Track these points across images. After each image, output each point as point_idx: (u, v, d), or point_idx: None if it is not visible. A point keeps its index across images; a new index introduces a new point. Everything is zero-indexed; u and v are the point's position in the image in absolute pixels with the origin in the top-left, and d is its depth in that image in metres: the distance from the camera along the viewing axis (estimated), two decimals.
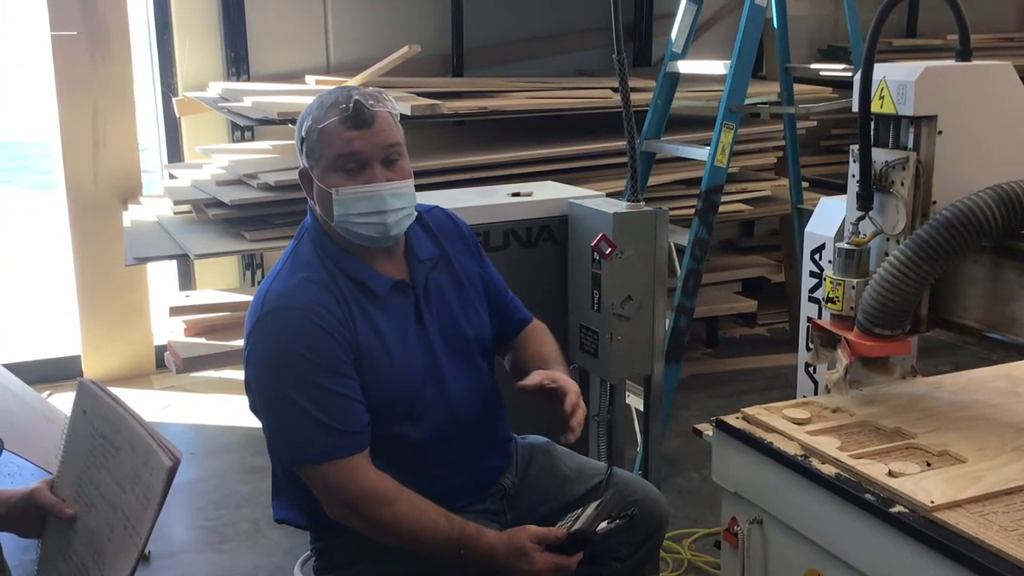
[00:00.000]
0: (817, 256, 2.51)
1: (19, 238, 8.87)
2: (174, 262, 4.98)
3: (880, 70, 1.98)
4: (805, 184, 4.79)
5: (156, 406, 4.66)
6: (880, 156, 2.01)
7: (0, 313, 6.48)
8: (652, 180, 4.42)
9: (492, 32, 5.36)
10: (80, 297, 4.88)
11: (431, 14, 5.21)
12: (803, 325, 2.57)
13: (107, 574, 1.40)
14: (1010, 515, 1.58)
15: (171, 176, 4.79)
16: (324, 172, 1.97)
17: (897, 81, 1.95)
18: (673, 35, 4.06)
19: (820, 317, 2.27)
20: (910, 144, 1.99)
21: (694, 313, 3.95)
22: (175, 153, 5.01)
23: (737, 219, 5.37)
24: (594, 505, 1.96)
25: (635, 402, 3.09)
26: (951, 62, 2.06)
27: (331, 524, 2.04)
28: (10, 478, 3.68)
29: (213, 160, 4.55)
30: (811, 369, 2.61)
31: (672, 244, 3.92)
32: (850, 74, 1.97)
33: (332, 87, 2.06)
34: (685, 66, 4.00)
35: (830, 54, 5.95)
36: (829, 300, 2.06)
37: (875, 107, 1.99)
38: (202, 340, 4.64)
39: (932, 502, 1.60)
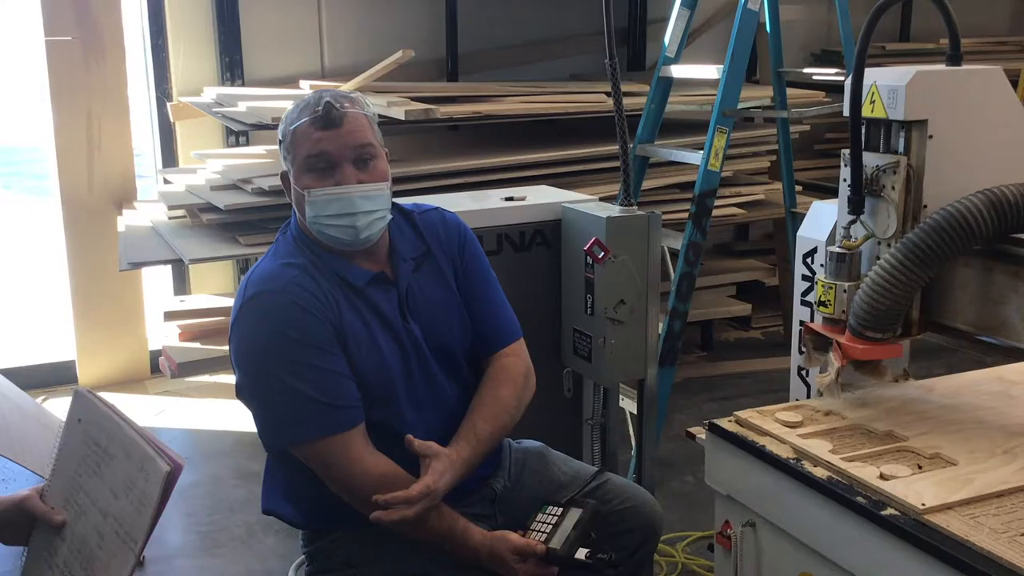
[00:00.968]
0: (809, 260, 2.52)
1: (14, 243, 8.85)
2: (169, 267, 4.98)
3: (871, 74, 1.98)
4: (798, 188, 4.80)
5: (151, 411, 4.65)
6: (871, 160, 2.02)
7: None
8: (646, 184, 4.43)
9: (486, 37, 5.37)
10: (75, 302, 4.88)
11: (425, 19, 5.22)
12: (795, 328, 2.58)
13: None
14: (1001, 517, 1.59)
15: (166, 181, 4.79)
16: (298, 173, 2.00)
17: (888, 85, 1.96)
18: (666, 40, 4.06)
19: (812, 320, 2.28)
20: (901, 148, 2.00)
21: (688, 317, 3.96)
22: (170, 158, 5.02)
23: (731, 223, 5.39)
24: (573, 520, 1.99)
25: (629, 406, 3.09)
26: (942, 67, 2.07)
27: (320, 521, 2.06)
28: (4, 483, 3.67)
29: (207, 165, 4.55)
30: (803, 372, 2.61)
31: (666, 248, 3.93)
32: (843, 78, 1.98)
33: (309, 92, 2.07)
34: (678, 70, 4.01)
35: (823, 58, 5.97)
36: (821, 303, 2.07)
37: (866, 111, 2.00)
38: (197, 345, 4.64)
39: (923, 505, 1.60)
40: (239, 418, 2.05)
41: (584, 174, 4.54)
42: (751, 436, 1.94)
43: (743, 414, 2.01)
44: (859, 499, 1.67)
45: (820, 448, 1.84)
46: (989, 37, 6.29)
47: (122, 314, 4.95)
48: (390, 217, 2.04)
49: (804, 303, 2.55)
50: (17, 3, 5.07)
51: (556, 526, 1.99)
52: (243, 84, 4.90)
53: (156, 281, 5.20)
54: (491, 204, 2.96)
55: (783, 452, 1.86)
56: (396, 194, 2.15)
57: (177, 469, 1.37)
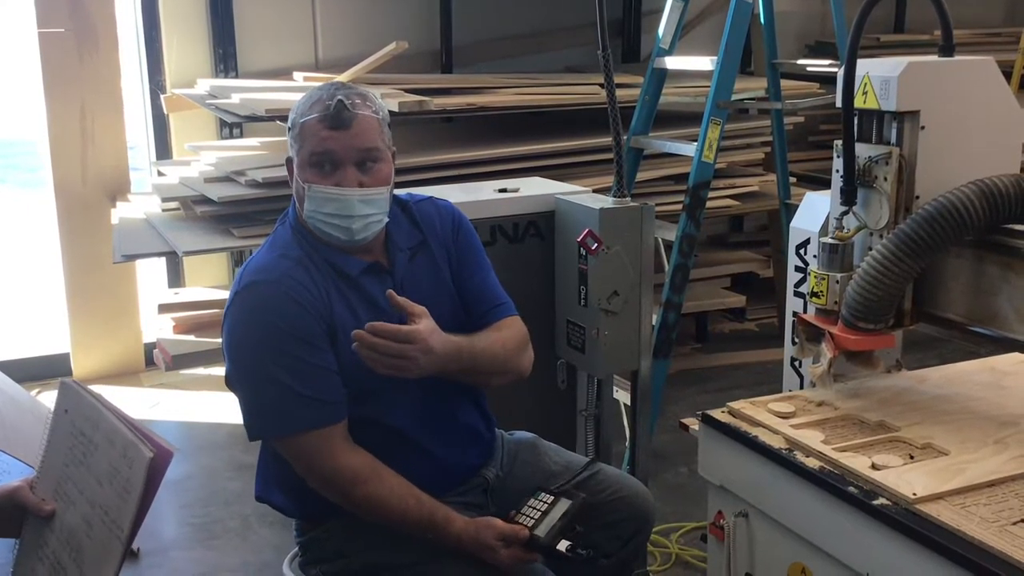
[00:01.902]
0: (802, 251, 2.52)
1: (9, 236, 8.84)
2: (163, 259, 4.97)
3: (863, 65, 1.99)
4: (793, 180, 4.80)
5: (145, 403, 4.65)
6: (863, 151, 2.02)
7: None
8: (640, 176, 4.43)
9: (481, 29, 5.36)
10: (69, 295, 4.87)
11: (420, 10, 5.21)
12: (788, 319, 2.58)
13: (87, 571, 1.39)
14: (991, 507, 1.60)
15: (159, 173, 4.78)
16: (301, 165, 2.00)
17: (880, 77, 1.96)
18: (660, 31, 4.06)
19: (805, 311, 2.28)
20: (893, 139, 2.00)
21: (683, 309, 3.96)
22: (163, 150, 5.00)
23: (725, 215, 5.38)
24: (561, 510, 2.00)
25: (623, 397, 3.10)
26: (934, 58, 2.07)
27: (312, 510, 2.06)
28: None
29: (201, 157, 4.54)
30: (796, 363, 2.62)
31: (660, 240, 3.93)
32: (837, 70, 1.98)
33: (323, 83, 2.06)
34: (672, 62, 4.01)
35: (818, 50, 5.96)
36: (814, 294, 2.07)
37: (858, 102, 2.00)
38: (191, 337, 4.64)
39: (914, 494, 1.61)
40: (234, 410, 2.05)
41: (578, 166, 4.54)
42: (744, 427, 1.94)
43: (736, 405, 2.01)
44: (851, 489, 1.68)
45: (812, 438, 1.84)
46: (983, 28, 6.28)
47: (116, 307, 4.94)
48: (386, 219, 2.04)
49: (797, 294, 2.56)
50: None
51: (544, 513, 2.00)
52: (237, 76, 4.88)
53: (150, 274, 5.19)
54: (485, 196, 2.96)
55: (776, 443, 1.87)
56: None
57: (164, 456, 1.37)
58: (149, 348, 4.93)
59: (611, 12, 3.41)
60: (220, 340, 2.06)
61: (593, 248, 2.68)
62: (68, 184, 4.74)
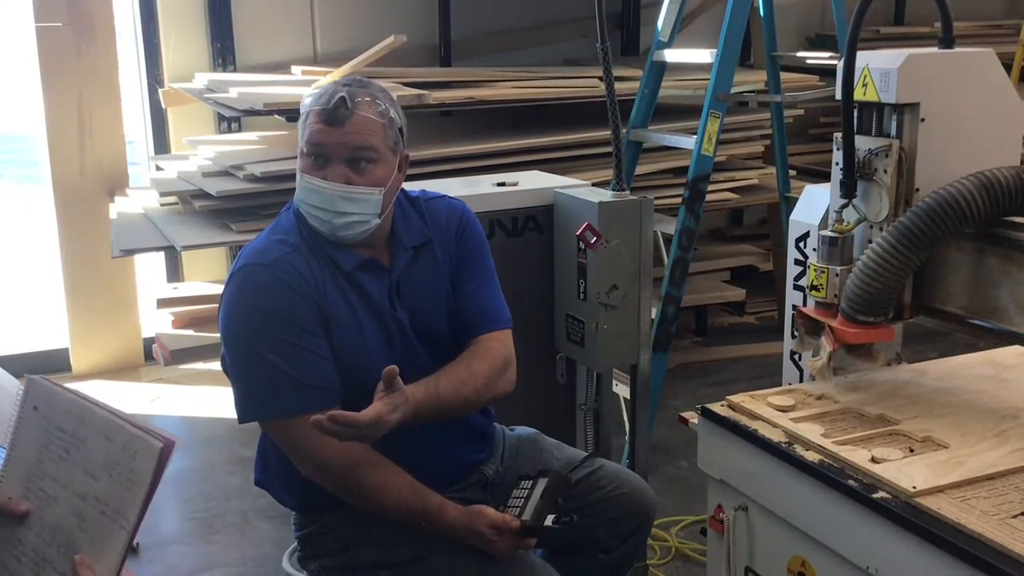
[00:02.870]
0: (802, 244, 2.52)
1: (8, 231, 8.83)
2: (162, 254, 4.96)
3: (863, 58, 1.98)
4: (793, 173, 4.79)
5: (144, 398, 4.65)
6: (863, 144, 2.02)
7: None
8: (640, 169, 4.42)
9: (479, 22, 5.35)
10: (68, 290, 4.87)
11: (418, 4, 5.20)
12: (788, 313, 2.58)
13: (87, 561, 1.39)
14: (991, 500, 1.59)
15: (157, 168, 4.77)
16: (300, 153, 2.01)
17: (880, 69, 1.96)
18: (660, 24, 4.05)
19: (805, 305, 2.28)
20: (893, 132, 2.00)
21: (682, 302, 3.95)
22: (162, 145, 5.00)
23: (724, 208, 5.38)
24: (540, 489, 2.02)
25: (622, 391, 3.09)
26: (934, 50, 2.06)
27: (310, 500, 2.06)
28: None
29: (199, 151, 4.53)
30: (796, 357, 2.61)
31: (659, 233, 3.92)
32: (836, 62, 1.97)
33: (346, 76, 2.04)
34: (672, 55, 3.99)
35: (818, 42, 5.95)
36: (813, 288, 2.07)
37: (858, 95, 1.99)
38: (190, 332, 4.64)
39: (914, 488, 1.61)
40: (233, 405, 2.05)
41: (577, 159, 4.53)
42: (743, 420, 1.94)
43: (735, 399, 2.01)
44: (850, 482, 1.68)
45: (812, 432, 1.84)
46: (983, 20, 6.27)
47: (115, 301, 4.94)
48: (377, 222, 2.01)
49: (797, 287, 2.55)
50: None
51: (527, 499, 2.02)
52: (235, 70, 4.87)
53: (149, 268, 5.18)
54: (483, 189, 2.95)
55: (775, 436, 1.86)
56: None
57: (169, 446, 1.37)
58: (148, 343, 4.93)
59: (610, 5, 3.41)
60: (219, 335, 2.06)
61: (592, 242, 2.67)
62: (66, 178, 4.73)
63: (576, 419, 3.01)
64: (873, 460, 1.71)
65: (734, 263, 5.60)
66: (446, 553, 1.98)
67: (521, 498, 2.03)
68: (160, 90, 4.85)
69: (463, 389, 2.01)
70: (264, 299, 1.93)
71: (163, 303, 4.73)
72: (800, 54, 4.72)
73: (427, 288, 2.09)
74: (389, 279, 2.05)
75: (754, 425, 1.91)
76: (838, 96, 1.99)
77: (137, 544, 3.38)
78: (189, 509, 3.68)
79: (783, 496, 1.83)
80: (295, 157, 2.04)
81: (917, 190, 1.98)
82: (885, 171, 1.99)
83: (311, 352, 1.93)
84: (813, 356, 2.11)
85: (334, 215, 1.96)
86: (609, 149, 4.43)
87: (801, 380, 2.56)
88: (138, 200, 4.63)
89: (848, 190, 2.02)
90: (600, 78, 4.46)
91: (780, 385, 2.40)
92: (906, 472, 1.66)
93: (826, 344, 2.03)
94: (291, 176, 2.09)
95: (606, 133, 4.30)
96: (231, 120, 4.82)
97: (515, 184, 2.99)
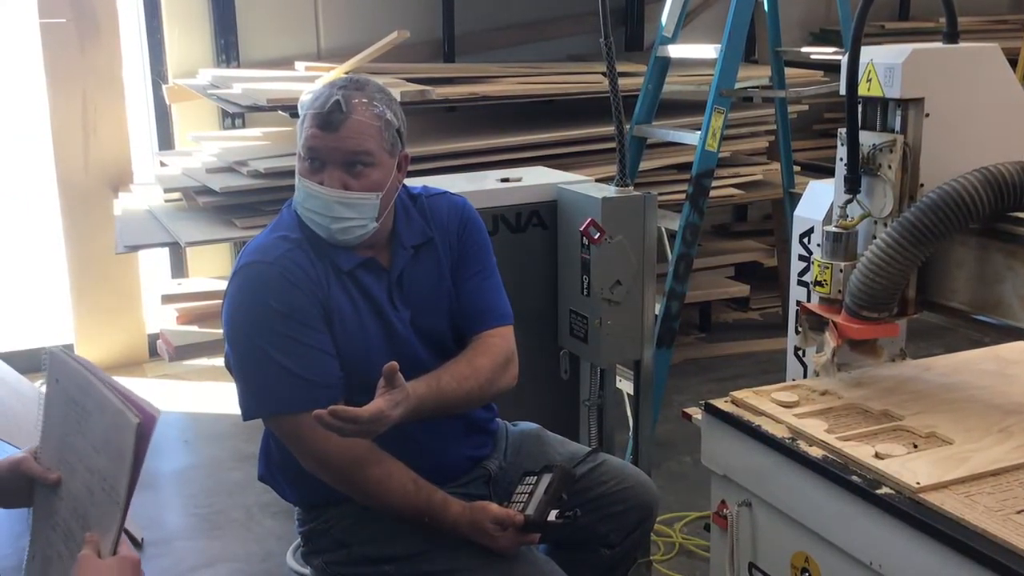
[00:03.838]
0: (806, 240, 2.51)
1: (12, 227, 8.83)
2: (166, 250, 4.97)
3: (867, 53, 1.97)
4: (797, 168, 4.79)
5: (149, 394, 4.64)
6: (868, 139, 2.01)
7: None
8: (643, 165, 4.41)
9: (483, 17, 5.34)
10: (72, 285, 4.88)
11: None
12: (792, 309, 2.58)
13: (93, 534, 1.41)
14: (995, 496, 1.59)
15: (162, 164, 4.78)
16: (299, 155, 2.00)
17: (884, 64, 1.95)
18: (663, 19, 4.04)
19: (809, 301, 2.28)
20: (897, 127, 1.99)
21: (686, 298, 3.95)
22: (166, 140, 5.00)
23: (728, 204, 5.37)
24: (544, 484, 2.01)
25: (626, 387, 3.09)
26: (938, 45, 2.06)
27: (312, 495, 2.06)
28: None
29: (203, 147, 4.54)
30: (800, 352, 2.61)
31: (663, 229, 3.92)
32: (841, 57, 1.96)
33: (343, 76, 2.03)
34: (675, 50, 3.99)
35: (822, 37, 5.94)
36: (817, 283, 2.06)
37: (862, 90, 1.99)
38: (194, 328, 4.65)
39: (918, 483, 1.61)
40: (237, 402, 2.05)
41: (581, 155, 4.53)
42: (747, 416, 1.94)
43: (739, 394, 2.00)
44: (854, 478, 1.67)
45: (816, 428, 1.84)
46: (989, 15, 6.25)
47: (120, 297, 4.94)
48: (374, 226, 2.00)
49: (801, 283, 2.55)
50: None
51: (531, 494, 2.01)
52: (239, 66, 4.87)
53: (153, 264, 5.19)
54: (487, 185, 2.95)
55: (779, 432, 1.86)
56: None
57: (148, 421, 1.37)
58: (152, 339, 4.93)
59: (614, 1, 3.40)
60: (223, 331, 2.06)
61: (596, 238, 2.67)
62: (70, 174, 4.74)
63: (580, 415, 3.01)
64: (877, 456, 1.71)
65: (738, 259, 5.60)
66: (448, 548, 1.98)
67: (525, 493, 2.02)
68: (164, 86, 4.85)
69: (465, 384, 2.01)
70: (266, 295, 1.93)
71: (167, 299, 4.74)
72: (804, 49, 4.72)
73: (428, 286, 2.09)
74: (388, 278, 2.05)
75: (758, 421, 1.91)
76: (842, 91, 1.99)
77: (142, 539, 3.39)
78: (193, 505, 3.69)
79: (787, 492, 1.83)
80: (297, 154, 2.04)
81: (921, 185, 1.97)
82: (889, 166, 1.98)
83: (314, 348, 1.94)
84: (817, 352, 2.11)
85: (331, 220, 1.96)
86: (612, 145, 4.44)
87: (805, 376, 2.56)
88: (142, 196, 4.64)
89: (852, 186, 2.02)
90: (604, 74, 4.46)
91: (784, 381, 2.40)
92: (910, 468, 1.66)
93: (830, 340, 2.02)
94: (295, 172, 2.08)
95: (610, 129, 4.30)
96: (235, 116, 4.83)
97: (519, 180, 2.99)
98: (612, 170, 4.29)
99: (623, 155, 2.87)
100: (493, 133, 4.46)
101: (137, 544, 3.36)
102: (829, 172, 2.19)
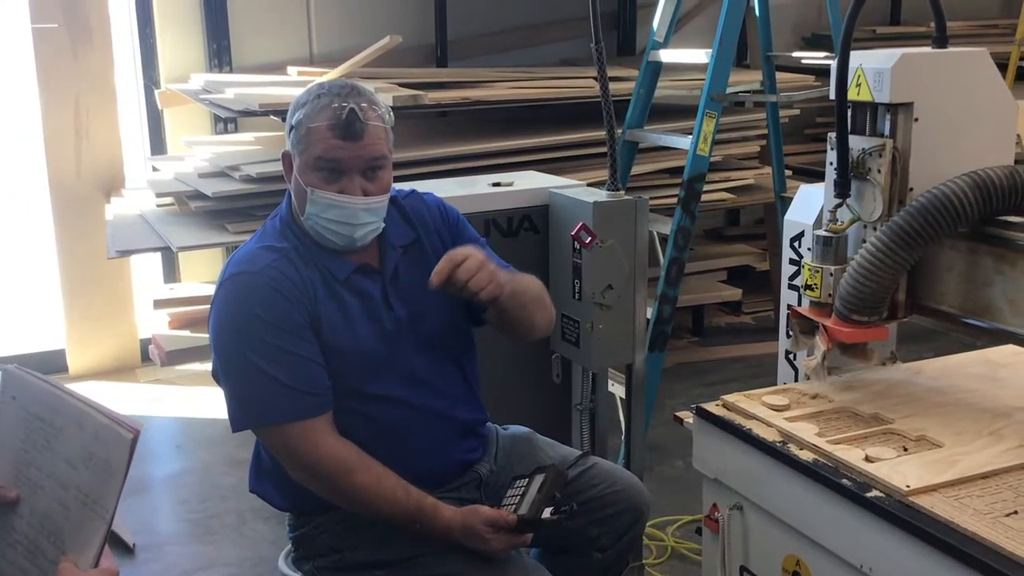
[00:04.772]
0: (796, 244, 2.52)
1: (4, 232, 8.81)
2: (158, 255, 4.96)
3: (857, 57, 1.98)
4: (788, 172, 4.80)
5: (141, 399, 4.65)
6: (857, 143, 2.02)
7: None
8: (635, 169, 4.42)
9: (476, 22, 5.35)
10: (64, 291, 4.87)
11: (414, 4, 5.20)
12: (783, 312, 2.58)
13: (71, 551, 1.40)
14: (985, 499, 1.59)
15: (154, 168, 4.77)
16: (304, 167, 1.98)
17: (874, 68, 1.96)
18: (655, 24, 4.05)
19: (800, 304, 2.28)
20: (887, 131, 2.00)
21: (678, 302, 3.96)
22: (158, 145, 5.00)
23: (720, 208, 5.39)
24: (537, 484, 2.01)
25: (618, 391, 3.10)
26: (927, 49, 2.07)
27: (303, 504, 2.06)
28: None
29: (195, 152, 4.54)
30: (791, 356, 2.61)
31: (655, 233, 3.93)
32: (832, 62, 1.97)
33: (330, 83, 2.03)
34: (667, 55, 4.00)
35: (814, 42, 5.96)
36: (807, 287, 2.07)
37: (852, 95, 1.99)
38: (186, 333, 4.64)
39: (908, 486, 1.61)
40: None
41: (573, 159, 4.54)
42: (738, 420, 1.94)
43: (730, 398, 2.01)
44: (844, 481, 1.68)
45: (806, 431, 1.84)
46: (979, 20, 6.28)
47: (111, 302, 4.94)
48: (383, 225, 2.04)
49: (792, 287, 2.55)
50: None
51: (523, 495, 2.01)
52: (231, 71, 4.88)
53: (145, 269, 5.18)
54: (479, 190, 2.95)
55: (769, 435, 1.86)
56: None
57: (136, 434, 1.38)
58: (144, 343, 4.92)
59: (606, 5, 3.41)
60: (210, 342, 2.05)
61: (587, 242, 2.67)
62: (62, 179, 4.74)
63: (572, 419, 3.01)
64: (867, 459, 1.71)
65: (730, 263, 5.61)
66: (438, 553, 1.98)
67: (516, 496, 2.02)
68: (156, 91, 4.85)
69: (533, 284, 2.14)
70: (253, 305, 1.93)
71: (159, 304, 4.73)
72: (796, 54, 4.73)
73: (421, 285, 2.09)
74: (382, 279, 2.06)
75: (749, 424, 1.91)
76: (832, 96, 1.99)
77: (134, 544, 3.38)
78: (185, 510, 3.68)
79: (778, 495, 1.83)
80: (293, 167, 2.02)
81: (911, 189, 1.98)
82: (879, 171, 1.99)
83: (301, 357, 1.93)
84: (808, 355, 2.11)
85: (355, 228, 1.97)
86: (603, 149, 4.44)
87: (796, 379, 2.56)
88: (134, 201, 4.63)
89: (842, 190, 2.02)
90: (596, 78, 4.47)
91: (776, 384, 2.41)
92: (900, 471, 1.66)
93: (820, 343, 2.03)
94: (290, 186, 2.07)
95: (601, 133, 4.30)
96: (227, 121, 4.83)
97: (511, 184, 2.99)
98: (604, 174, 4.31)
99: (614, 159, 2.88)
100: (485, 137, 4.47)
101: (129, 549, 3.35)
102: (820, 176, 2.20)
